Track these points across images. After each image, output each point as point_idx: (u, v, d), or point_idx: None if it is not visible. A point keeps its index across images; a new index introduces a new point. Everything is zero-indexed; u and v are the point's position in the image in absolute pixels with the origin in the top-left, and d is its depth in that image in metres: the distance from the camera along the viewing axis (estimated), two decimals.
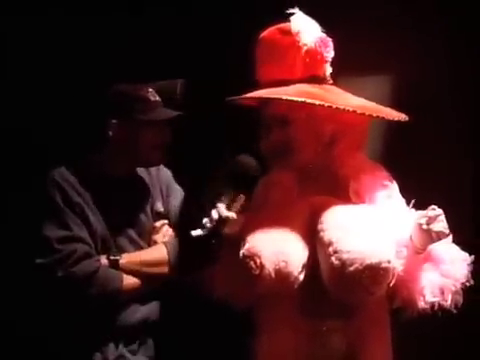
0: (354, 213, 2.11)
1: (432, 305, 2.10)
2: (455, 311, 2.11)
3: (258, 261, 2.03)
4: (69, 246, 2.33)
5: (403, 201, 2.18)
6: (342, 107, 2.13)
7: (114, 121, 2.46)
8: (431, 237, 2.04)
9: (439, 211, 2.05)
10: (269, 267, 2.04)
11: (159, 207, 2.61)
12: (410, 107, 2.21)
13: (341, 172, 2.23)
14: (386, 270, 2.00)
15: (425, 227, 2.03)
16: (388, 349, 2.28)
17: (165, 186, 2.65)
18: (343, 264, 2.00)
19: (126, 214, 2.52)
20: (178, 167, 2.67)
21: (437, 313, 2.10)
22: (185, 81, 2.56)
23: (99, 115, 2.48)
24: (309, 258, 2.12)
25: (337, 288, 2.06)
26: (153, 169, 2.66)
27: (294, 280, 2.08)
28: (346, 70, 2.39)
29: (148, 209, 2.59)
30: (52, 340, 2.49)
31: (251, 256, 2.04)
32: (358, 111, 2.14)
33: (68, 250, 2.32)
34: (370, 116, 2.18)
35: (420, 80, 2.92)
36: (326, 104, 2.12)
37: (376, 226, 2.07)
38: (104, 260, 2.41)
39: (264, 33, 2.25)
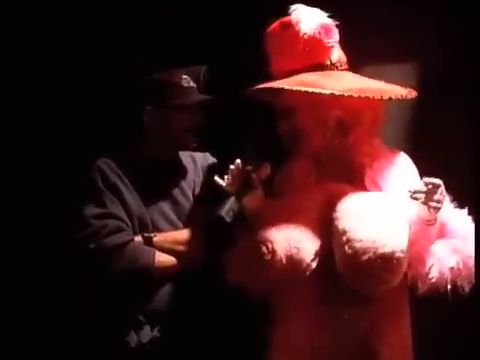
0: (369, 201, 2.11)
1: (440, 284, 2.08)
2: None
3: (270, 246, 2.07)
4: (102, 221, 2.43)
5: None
6: (328, 92, 2.10)
7: (148, 108, 2.56)
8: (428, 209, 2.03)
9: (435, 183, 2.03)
10: (280, 253, 2.07)
11: (200, 193, 2.66)
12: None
13: (357, 160, 2.23)
14: (399, 260, 2.00)
15: (418, 196, 2.02)
16: (407, 337, 2.26)
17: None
18: (356, 253, 2.01)
19: (165, 196, 2.59)
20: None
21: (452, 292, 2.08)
22: (208, 67, 2.59)
23: (135, 103, 2.58)
24: (325, 246, 2.13)
25: (350, 277, 2.07)
26: (200, 157, 2.73)
27: (306, 267, 2.10)
28: (366, 57, 2.36)
29: (189, 193, 2.65)
30: (90, 319, 2.59)
31: (263, 241, 2.08)
32: (354, 95, 2.11)
33: (100, 224, 2.42)
34: (372, 98, 2.13)
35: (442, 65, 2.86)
36: (314, 90, 2.10)
37: (391, 215, 2.06)
38: (138, 238, 2.48)
39: (270, 27, 2.29)
